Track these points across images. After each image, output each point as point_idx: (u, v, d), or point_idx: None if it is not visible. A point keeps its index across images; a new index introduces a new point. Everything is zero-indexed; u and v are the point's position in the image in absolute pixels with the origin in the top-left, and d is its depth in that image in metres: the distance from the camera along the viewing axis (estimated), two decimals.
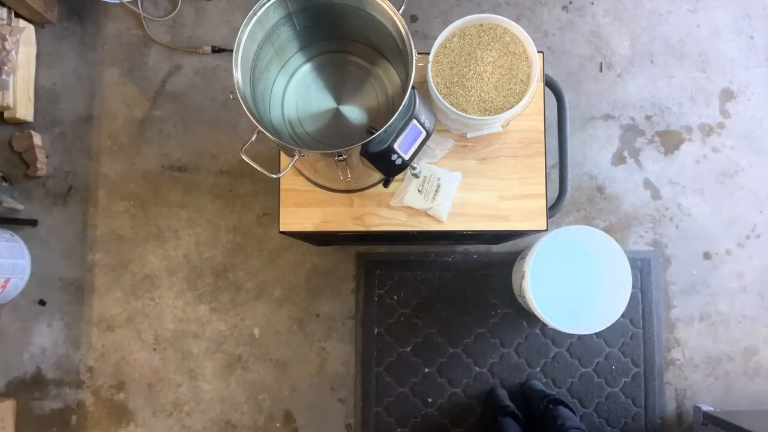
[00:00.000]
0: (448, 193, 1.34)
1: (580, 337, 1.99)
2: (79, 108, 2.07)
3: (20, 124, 2.04)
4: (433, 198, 1.33)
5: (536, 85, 1.27)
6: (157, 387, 1.99)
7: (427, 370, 1.98)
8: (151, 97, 2.08)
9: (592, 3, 2.15)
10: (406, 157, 1.12)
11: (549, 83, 1.43)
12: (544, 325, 1.92)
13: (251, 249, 2.04)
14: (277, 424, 1.99)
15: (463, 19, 1.27)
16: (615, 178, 2.08)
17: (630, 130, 2.10)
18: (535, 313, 1.63)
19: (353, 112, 1.30)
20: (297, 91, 1.32)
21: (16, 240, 1.97)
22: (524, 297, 1.74)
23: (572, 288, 1.80)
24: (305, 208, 1.36)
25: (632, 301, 2.00)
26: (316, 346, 2.01)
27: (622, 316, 1.96)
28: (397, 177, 1.19)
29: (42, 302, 2.01)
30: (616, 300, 1.65)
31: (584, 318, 1.70)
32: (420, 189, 1.34)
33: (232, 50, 1.08)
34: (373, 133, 1.06)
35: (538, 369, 1.98)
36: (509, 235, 1.64)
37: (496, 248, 2.04)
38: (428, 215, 1.36)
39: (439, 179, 1.34)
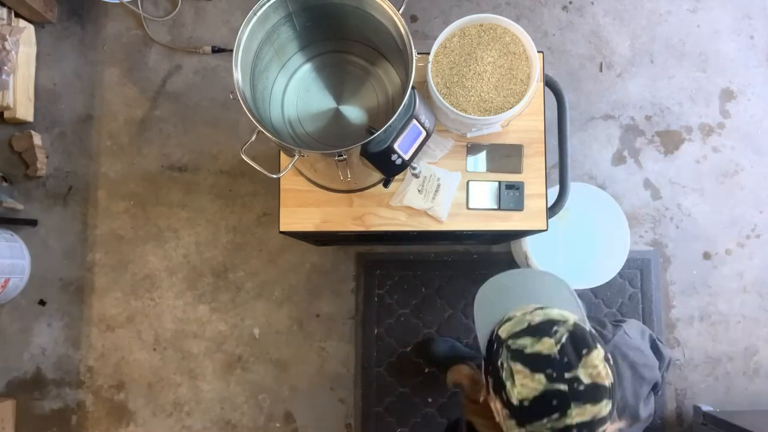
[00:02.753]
0: (448, 193, 1.34)
1: None
2: (79, 108, 2.07)
3: (20, 124, 2.04)
4: (433, 198, 1.33)
5: (536, 85, 1.27)
6: (157, 387, 1.99)
7: (427, 369, 1.98)
8: (151, 97, 2.08)
9: (592, 3, 2.15)
10: (406, 157, 1.12)
11: (549, 83, 1.43)
12: None
13: (251, 249, 2.03)
14: (277, 424, 1.99)
15: (463, 19, 1.27)
16: (615, 178, 2.08)
17: (630, 130, 2.10)
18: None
19: (353, 112, 1.30)
20: (297, 91, 1.32)
21: (16, 240, 1.97)
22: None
23: (572, 249, 1.90)
24: (305, 208, 1.35)
25: (632, 302, 2.00)
26: (316, 346, 2.01)
27: (623, 316, 1.96)
28: (397, 177, 1.19)
29: (42, 302, 2.01)
30: (616, 253, 1.77)
31: (586, 273, 1.80)
32: (420, 189, 1.34)
33: (232, 50, 1.08)
34: (373, 133, 1.06)
35: None
36: (509, 235, 1.64)
37: (496, 248, 2.04)
38: (428, 215, 1.36)
39: (439, 179, 1.33)
